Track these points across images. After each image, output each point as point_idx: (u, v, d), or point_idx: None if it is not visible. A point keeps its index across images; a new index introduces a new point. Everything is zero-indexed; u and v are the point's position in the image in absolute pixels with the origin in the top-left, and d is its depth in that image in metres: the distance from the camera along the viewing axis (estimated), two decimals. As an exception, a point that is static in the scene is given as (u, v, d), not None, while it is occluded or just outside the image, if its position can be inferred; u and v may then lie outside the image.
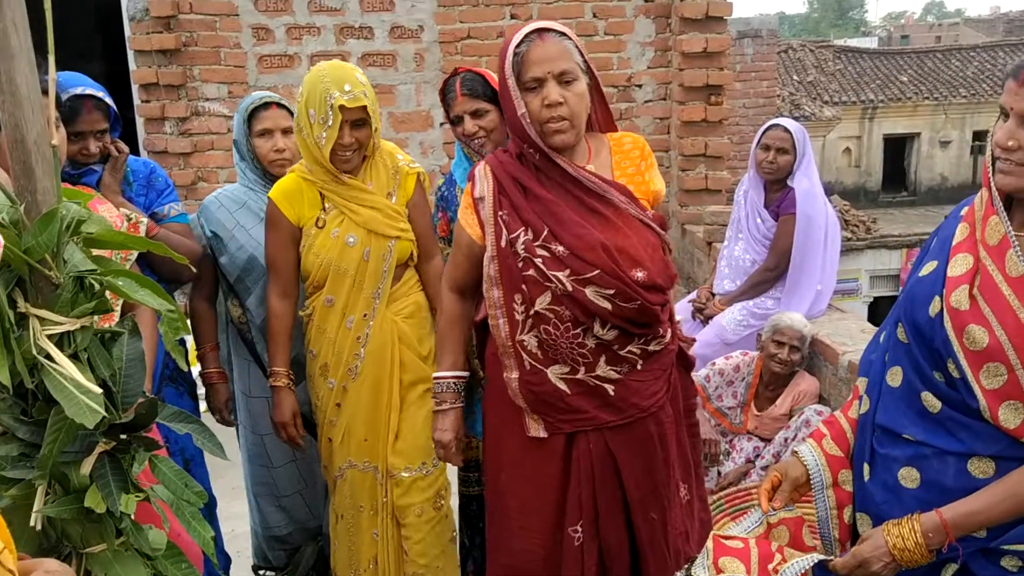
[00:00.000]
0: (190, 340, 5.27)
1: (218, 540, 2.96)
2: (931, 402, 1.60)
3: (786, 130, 3.68)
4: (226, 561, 2.99)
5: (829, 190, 3.85)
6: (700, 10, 5.66)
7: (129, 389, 1.52)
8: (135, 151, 3.24)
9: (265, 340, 2.74)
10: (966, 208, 1.66)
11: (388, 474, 2.57)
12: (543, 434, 2.12)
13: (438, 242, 2.78)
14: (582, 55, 2.04)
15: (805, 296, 3.71)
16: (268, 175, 2.76)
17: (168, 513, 1.64)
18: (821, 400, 3.45)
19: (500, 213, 2.07)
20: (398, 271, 2.60)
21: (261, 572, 3.22)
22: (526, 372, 2.09)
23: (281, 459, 2.91)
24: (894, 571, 1.60)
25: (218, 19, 5.73)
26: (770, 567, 1.65)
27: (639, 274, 2.00)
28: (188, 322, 2.56)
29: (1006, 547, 1.55)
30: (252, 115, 2.74)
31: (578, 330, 2.02)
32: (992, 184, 1.57)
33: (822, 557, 1.67)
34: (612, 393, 2.07)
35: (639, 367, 2.09)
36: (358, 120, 2.42)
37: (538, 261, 2.01)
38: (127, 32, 5.73)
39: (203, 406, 3.71)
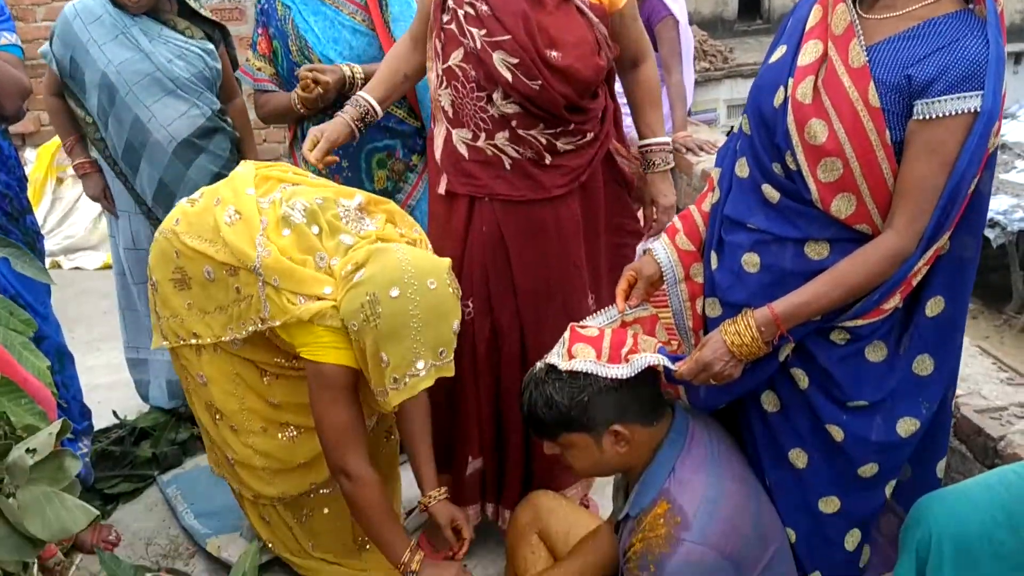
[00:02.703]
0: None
1: (77, 393, 2.85)
2: (770, 193, 1.64)
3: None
4: (85, 412, 2.90)
5: (688, 20, 3.84)
6: None
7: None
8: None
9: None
10: None
11: None
12: (442, 190, 2.23)
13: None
14: None
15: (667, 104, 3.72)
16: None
17: (-4, 347, 1.53)
18: (678, 211, 3.53)
19: None
20: None
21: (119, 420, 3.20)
22: (441, 128, 2.20)
23: (142, 276, 2.86)
24: (736, 367, 1.66)
25: None
26: (623, 351, 1.69)
27: (553, 54, 2.03)
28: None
29: (836, 324, 1.64)
30: None
31: (481, 94, 2.09)
32: None
33: (667, 362, 1.71)
34: (508, 168, 2.14)
35: (544, 160, 2.13)
36: None
37: (460, 14, 2.07)
38: None
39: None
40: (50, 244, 4.79)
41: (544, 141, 2.10)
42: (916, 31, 1.50)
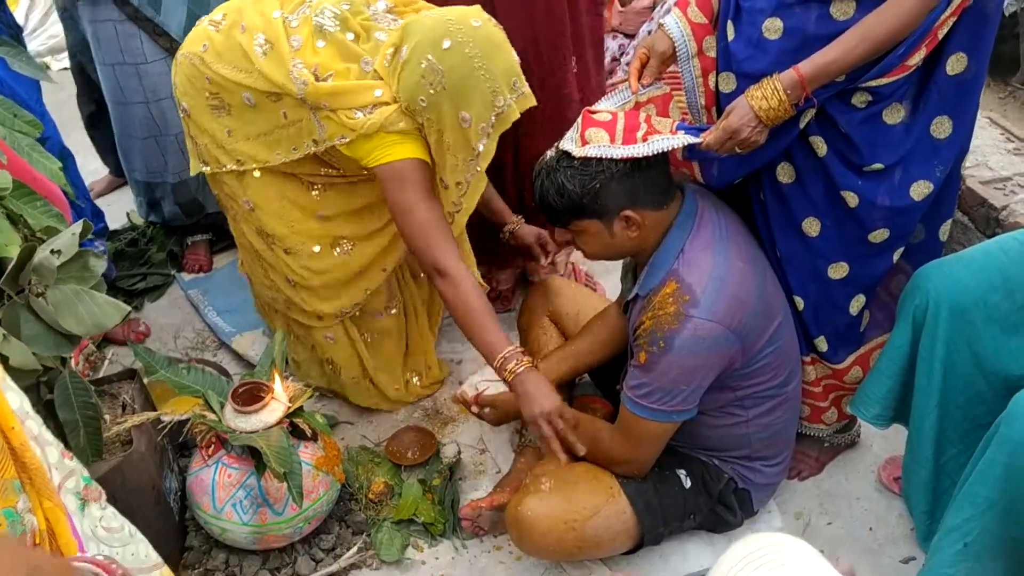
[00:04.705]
0: None
1: (85, 193, 2.86)
2: None
3: None
4: (99, 213, 2.93)
5: None
6: None
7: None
8: None
9: None
10: None
11: None
12: None
13: None
14: None
15: None
16: None
17: (6, 150, 1.53)
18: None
19: None
20: None
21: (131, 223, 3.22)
22: None
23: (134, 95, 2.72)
24: (762, 133, 1.66)
25: None
26: (638, 134, 1.68)
27: None
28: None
29: (859, 85, 1.63)
30: None
31: None
32: None
33: (692, 140, 1.70)
34: None
35: None
36: None
37: None
38: None
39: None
40: (35, 45, 4.63)
41: None
42: None
